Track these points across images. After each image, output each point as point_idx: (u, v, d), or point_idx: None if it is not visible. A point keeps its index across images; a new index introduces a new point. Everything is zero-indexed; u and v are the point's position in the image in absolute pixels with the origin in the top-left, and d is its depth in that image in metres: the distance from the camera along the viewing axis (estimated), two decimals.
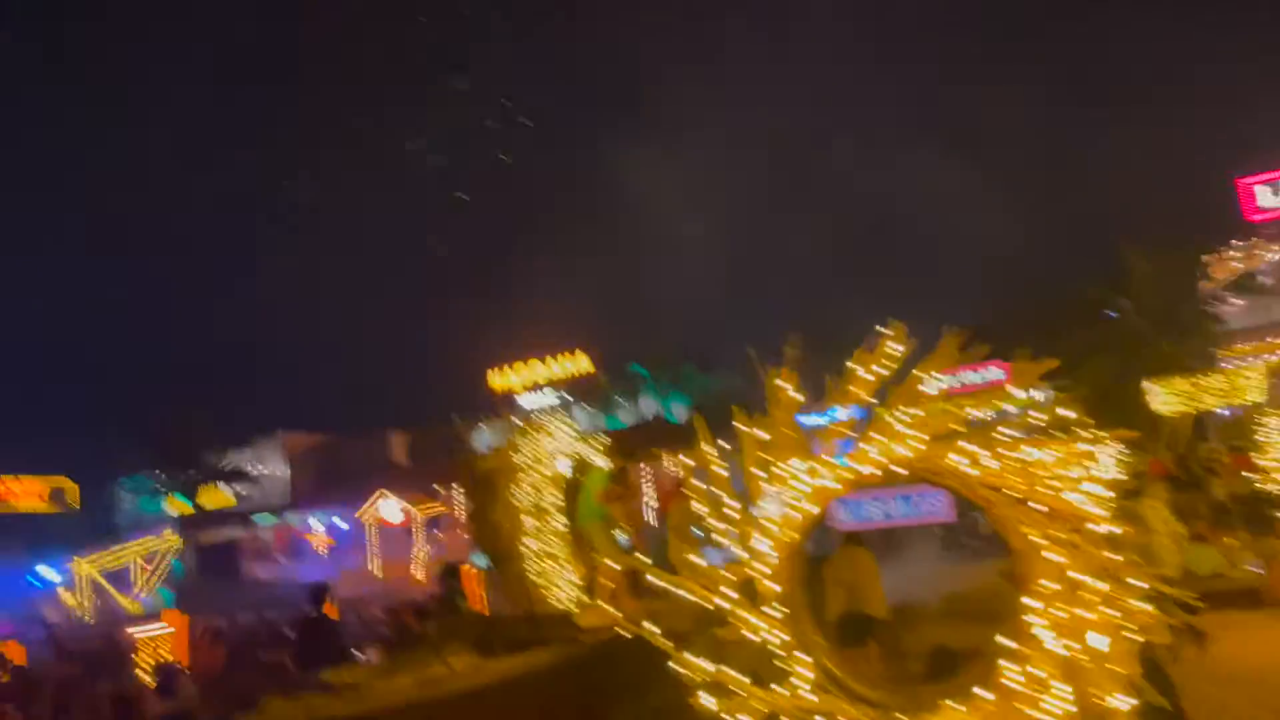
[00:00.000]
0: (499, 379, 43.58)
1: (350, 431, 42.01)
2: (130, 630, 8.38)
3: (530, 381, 43.25)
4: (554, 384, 43.10)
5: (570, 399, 43.10)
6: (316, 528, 34.99)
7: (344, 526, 34.93)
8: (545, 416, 7.94)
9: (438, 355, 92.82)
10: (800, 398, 4.19)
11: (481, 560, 31.70)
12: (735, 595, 4.21)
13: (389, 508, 30.75)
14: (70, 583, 36.24)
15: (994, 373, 34.73)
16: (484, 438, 43.71)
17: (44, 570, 37.93)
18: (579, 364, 43.12)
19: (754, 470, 4.17)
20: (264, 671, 9.06)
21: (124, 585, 35.89)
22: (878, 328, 4.10)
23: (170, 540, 34.61)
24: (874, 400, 4.08)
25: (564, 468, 7.84)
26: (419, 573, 29.53)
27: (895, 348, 4.06)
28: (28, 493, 42.95)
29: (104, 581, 34.83)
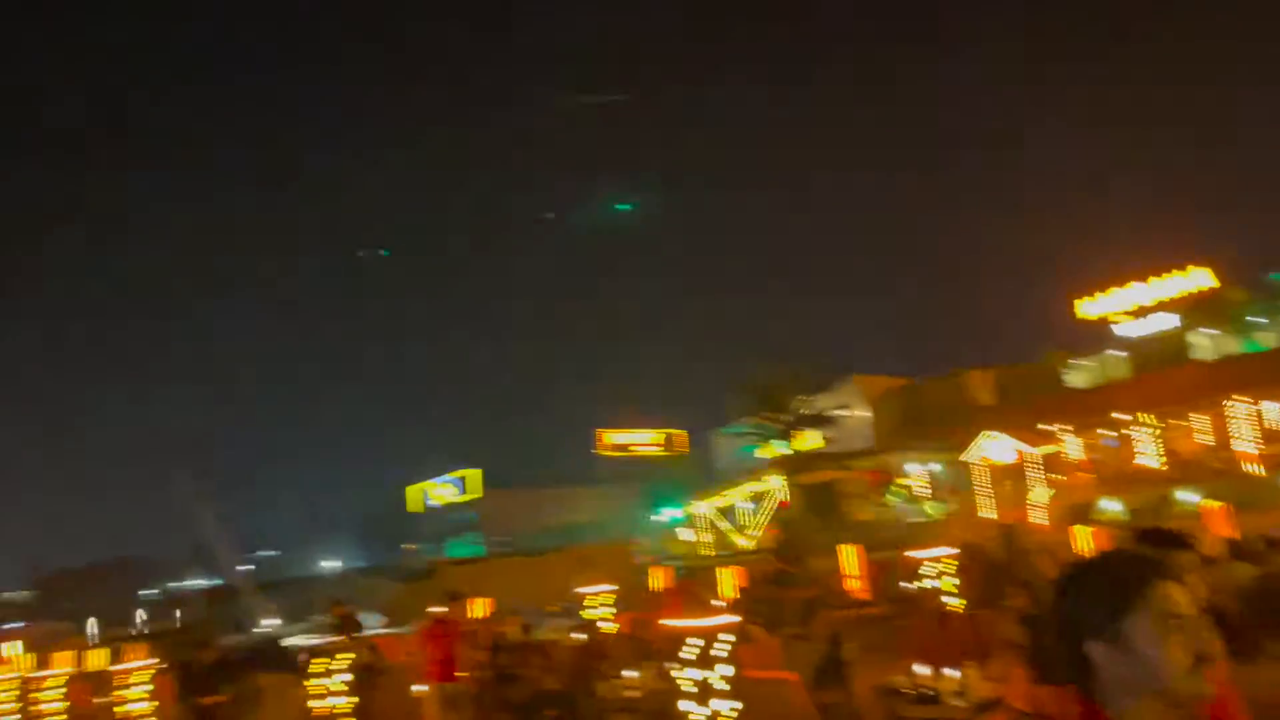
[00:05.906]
0: (1091, 307, 38.42)
1: (928, 372, 40.69)
2: (917, 555, 7.35)
3: (1131, 305, 37.39)
4: (1163, 306, 36.73)
5: (1185, 323, 36.46)
6: (911, 469, 34.21)
7: (938, 468, 33.66)
8: None
9: (1019, 287, 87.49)
10: None
11: (1114, 505, 27.08)
12: None
13: (998, 447, 28.48)
14: (686, 520, 40.35)
15: None
16: (1079, 374, 39.14)
17: (665, 510, 42.82)
18: (1194, 280, 36.08)
19: None
20: None
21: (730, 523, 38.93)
22: None
23: (772, 483, 36.49)
24: None
25: None
26: (1038, 516, 26.87)
27: None
28: (645, 441, 49.38)
29: (721, 519, 38.03)
